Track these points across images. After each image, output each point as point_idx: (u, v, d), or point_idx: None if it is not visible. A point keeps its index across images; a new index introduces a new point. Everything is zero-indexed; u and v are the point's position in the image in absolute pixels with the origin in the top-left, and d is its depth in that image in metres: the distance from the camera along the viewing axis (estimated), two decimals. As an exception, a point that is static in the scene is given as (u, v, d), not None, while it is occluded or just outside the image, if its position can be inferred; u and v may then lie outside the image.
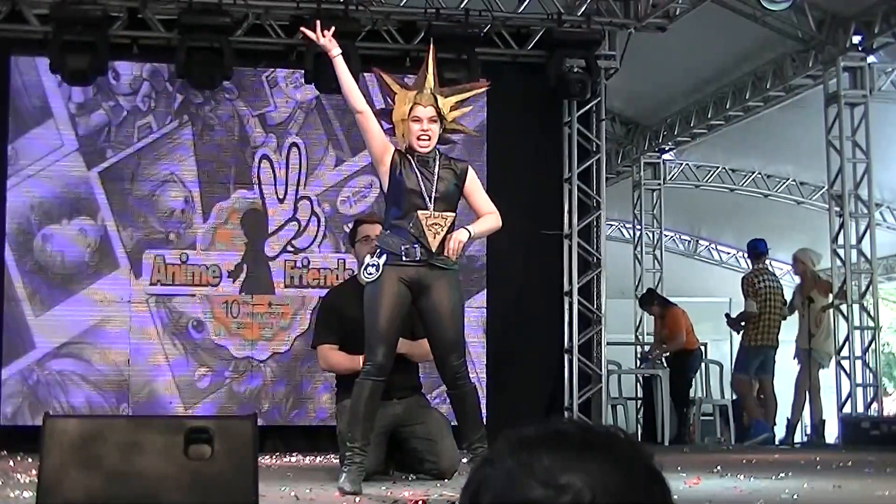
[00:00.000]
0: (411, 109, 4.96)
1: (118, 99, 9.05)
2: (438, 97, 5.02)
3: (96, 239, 8.92)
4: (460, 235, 4.95)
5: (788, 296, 10.41)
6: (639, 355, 11.95)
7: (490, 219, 5.13)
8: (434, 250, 4.89)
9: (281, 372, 9.09)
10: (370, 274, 4.91)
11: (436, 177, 4.97)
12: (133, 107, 9.06)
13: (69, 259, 8.86)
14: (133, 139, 9.03)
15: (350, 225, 8.67)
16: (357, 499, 4.65)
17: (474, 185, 5.13)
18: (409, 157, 5.00)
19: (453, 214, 4.98)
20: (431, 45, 5.36)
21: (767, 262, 10.62)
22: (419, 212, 4.89)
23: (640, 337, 13.00)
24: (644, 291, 12.40)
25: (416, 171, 4.96)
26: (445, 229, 4.91)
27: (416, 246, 4.89)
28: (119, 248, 8.93)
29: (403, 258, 4.89)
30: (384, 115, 5.16)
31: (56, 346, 8.77)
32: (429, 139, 4.97)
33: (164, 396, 8.84)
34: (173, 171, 9.06)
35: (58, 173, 8.90)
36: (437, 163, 5.00)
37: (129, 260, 8.93)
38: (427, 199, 4.93)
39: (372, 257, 4.95)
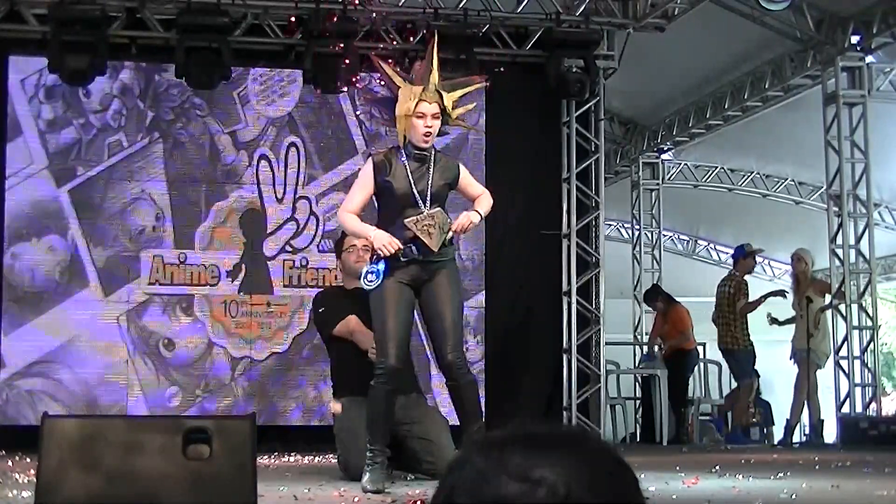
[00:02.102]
0: (416, 105, 4.95)
1: (88, 116, 9.02)
2: (443, 93, 5.02)
3: (66, 257, 8.88)
4: (473, 217, 5.01)
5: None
6: (645, 352, 11.93)
7: (487, 197, 5.17)
8: (435, 250, 4.92)
9: (278, 373, 9.09)
10: (371, 281, 4.95)
11: (430, 176, 4.99)
12: (103, 124, 9.03)
13: (39, 277, 8.83)
14: (103, 156, 9.01)
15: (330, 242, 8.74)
16: (356, 498, 4.65)
17: (467, 179, 5.19)
18: (401, 155, 5.00)
19: (438, 209, 4.97)
20: (435, 39, 5.35)
21: (751, 265, 10.61)
22: (406, 220, 4.91)
23: (639, 337, 12.99)
24: (650, 287, 12.37)
25: (408, 171, 4.97)
26: (437, 226, 4.93)
27: (411, 246, 4.92)
28: (89, 266, 8.90)
29: (401, 258, 4.92)
30: (386, 102, 5.12)
31: (26, 365, 8.75)
32: (430, 135, 4.98)
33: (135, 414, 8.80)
34: (144, 188, 9.03)
35: (27, 191, 8.86)
36: (432, 161, 5.02)
37: (99, 278, 8.89)
38: (418, 199, 4.95)
39: (371, 264, 4.98)
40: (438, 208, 4.98)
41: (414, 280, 4.97)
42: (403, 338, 5.00)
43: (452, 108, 5.06)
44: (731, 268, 10.73)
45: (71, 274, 8.88)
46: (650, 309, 12.66)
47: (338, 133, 9.38)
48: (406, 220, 4.90)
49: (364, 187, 5.03)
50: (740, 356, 10.24)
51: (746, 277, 10.50)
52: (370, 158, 5.14)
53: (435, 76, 4.99)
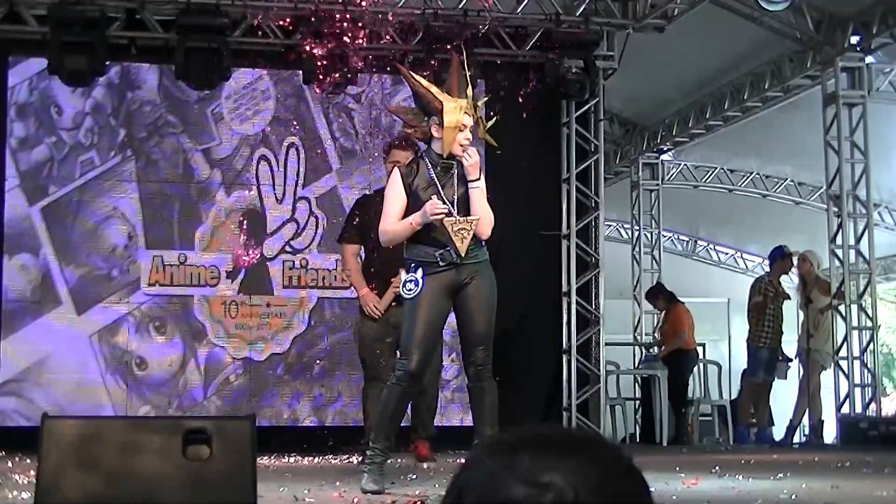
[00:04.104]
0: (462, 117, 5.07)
1: (60, 134, 8.96)
2: (476, 107, 5.17)
3: (38, 275, 8.82)
4: (476, 167, 5.05)
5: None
6: (649, 350, 11.91)
7: (489, 214, 5.15)
8: (464, 255, 4.97)
9: (276, 375, 9.09)
10: (410, 290, 5.01)
11: (455, 183, 5.06)
12: (76, 142, 8.97)
13: (10, 295, 8.78)
14: (76, 174, 8.95)
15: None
16: (355, 499, 4.65)
17: (483, 189, 5.21)
18: (425, 164, 5.06)
19: (477, 217, 5.02)
20: (464, 54, 5.42)
21: (788, 266, 10.67)
22: (446, 219, 4.96)
23: (639, 337, 12.99)
24: (653, 285, 12.34)
25: (434, 178, 5.03)
26: (471, 233, 4.99)
27: (448, 249, 4.98)
28: (61, 285, 8.85)
29: (440, 263, 4.98)
30: (408, 112, 5.23)
31: None
32: (467, 147, 5.08)
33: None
34: (116, 206, 8.98)
35: None
36: (456, 169, 5.07)
37: (71, 297, 8.84)
38: (447, 205, 5.00)
39: (408, 273, 5.03)
40: (476, 217, 5.02)
41: (451, 285, 5.03)
42: (429, 346, 5.05)
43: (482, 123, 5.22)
44: (767, 270, 10.83)
45: (43, 292, 8.82)
46: (650, 309, 12.66)
47: (312, 150, 9.35)
48: (446, 220, 4.95)
49: (398, 196, 5.09)
50: (749, 353, 10.39)
51: (783, 279, 10.58)
52: (395, 168, 5.21)
53: (471, 90, 5.13)
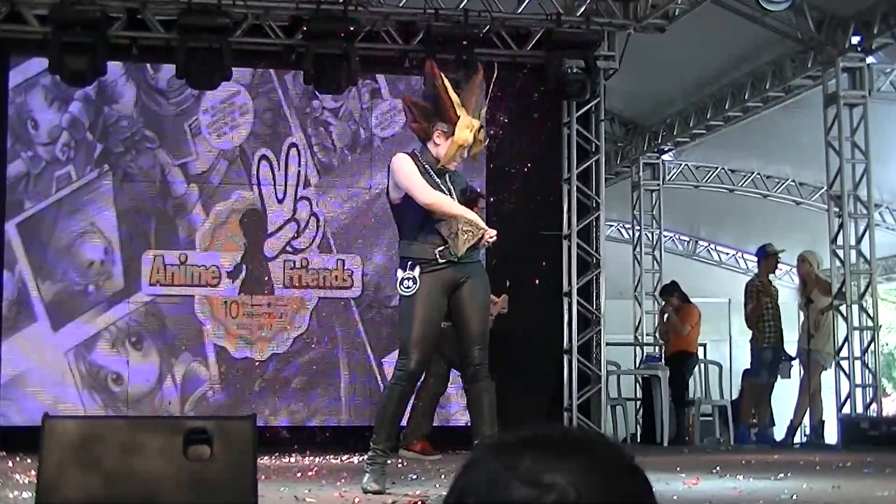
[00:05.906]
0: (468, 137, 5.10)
1: (37, 148, 8.92)
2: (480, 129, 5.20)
3: (13, 292, 8.78)
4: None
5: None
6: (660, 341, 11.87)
7: None
8: (462, 254, 4.97)
9: (277, 374, 9.09)
10: (408, 288, 5.00)
11: (451, 189, 5.10)
12: (52, 157, 8.93)
13: None
14: (52, 190, 8.90)
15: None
16: (356, 499, 4.65)
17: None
18: (421, 166, 5.08)
19: (485, 228, 5.05)
20: (496, 71, 5.42)
21: (772, 265, 10.71)
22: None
23: (640, 338, 12.98)
24: (668, 282, 12.28)
25: (435, 180, 5.06)
26: (476, 238, 4.98)
27: (447, 247, 4.98)
28: (37, 301, 8.81)
29: (439, 260, 4.97)
30: (422, 109, 5.21)
31: None
32: (459, 164, 5.18)
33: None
34: (93, 221, 8.94)
35: None
36: (448, 178, 5.13)
37: (47, 313, 8.80)
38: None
39: (405, 271, 5.00)
40: (485, 228, 5.03)
41: (448, 283, 5.02)
42: (428, 345, 5.04)
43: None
44: (756, 270, 10.90)
45: (18, 309, 8.78)
46: (650, 309, 12.64)
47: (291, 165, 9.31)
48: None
49: (419, 173, 5.05)
50: (753, 354, 10.43)
51: (782, 279, 10.64)
52: (404, 155, 5.13)
53: (483, 112, 5.17)
